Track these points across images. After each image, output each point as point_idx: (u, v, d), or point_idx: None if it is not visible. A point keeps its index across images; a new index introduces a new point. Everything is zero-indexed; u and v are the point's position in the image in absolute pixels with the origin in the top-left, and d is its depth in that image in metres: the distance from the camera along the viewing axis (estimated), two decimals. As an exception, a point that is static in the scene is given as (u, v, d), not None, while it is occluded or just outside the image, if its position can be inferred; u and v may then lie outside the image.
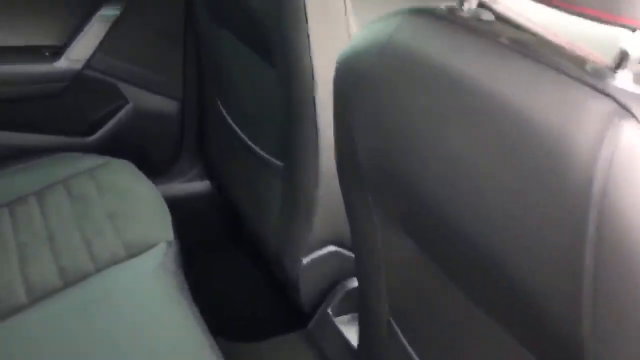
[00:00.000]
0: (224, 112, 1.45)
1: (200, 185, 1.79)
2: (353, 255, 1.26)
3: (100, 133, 1.59)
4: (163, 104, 1.65)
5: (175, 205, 1.32)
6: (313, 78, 1.03)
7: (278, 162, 1.23)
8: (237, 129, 1.38)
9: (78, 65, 1.47)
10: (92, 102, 1.57)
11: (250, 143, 1.33)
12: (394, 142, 0.63)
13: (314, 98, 1.05)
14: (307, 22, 0.99)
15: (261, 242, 1.31)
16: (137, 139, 1.65)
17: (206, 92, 1.57)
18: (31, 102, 1.49)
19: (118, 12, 1.48)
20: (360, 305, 0.93)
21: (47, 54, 1.46)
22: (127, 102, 1.60)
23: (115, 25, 1.48)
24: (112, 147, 1.58)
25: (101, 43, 1.48)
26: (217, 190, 1.73)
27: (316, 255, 1.23)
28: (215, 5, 1.31)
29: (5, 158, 1.43)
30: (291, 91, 1.07)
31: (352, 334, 1.21)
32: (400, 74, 0.62)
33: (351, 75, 0.69)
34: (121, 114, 1.60)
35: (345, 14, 1.03)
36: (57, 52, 1.46)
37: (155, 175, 1.46)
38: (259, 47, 1.18)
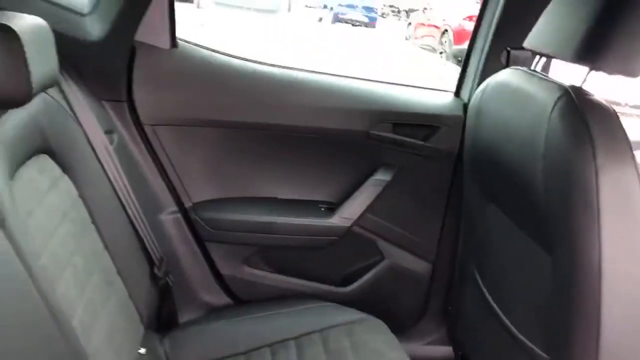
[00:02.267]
0: (481, 284, 1.42)
1: (441, 351, 1.74)
2: None
3: (355, 285, 1.67)
4: (416, 264, 1.69)
5: None
6: (600, 276, 0.97)
7: (542, 354, 1.14)
8: (493, 302, 1.34)
9: (348, 223, 1.59)
10: (353, 255, 1.67)
11: (507, 322, 1.27)
12: None
13: (599, 295, 0.98)
14: (599, 220, 0.95)
15: None
16: (387, 294, 1.69)
17: (462, 259, 1.57)
18: (302, 251, 1.63)
19: (389, 178, 1.59)
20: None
21: (323, 208, 1.61)
22: (383, 258, 1.67)
23: (385, 189, 1.59)
24: (364, 299, 1.64)
25: (371, 204, 1.59)
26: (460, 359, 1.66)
27: None
28: (487, 182, 1.34)
29: (270, 299, 1.57)
30: (572, 285, 1.01)
31: None
32: None
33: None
34: (377, 269, 1.67)
35: None
36: (332, 207, 1.61)
37: (397, 332, 1.47)
38: (533, 230, 1.16)
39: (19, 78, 0.86)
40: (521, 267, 1.24)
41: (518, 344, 1.22)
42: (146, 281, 1.35)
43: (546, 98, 1.05)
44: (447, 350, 1.73)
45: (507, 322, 1.28)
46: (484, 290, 1.41)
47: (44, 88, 0.98)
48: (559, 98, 1.03)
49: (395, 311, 1.69)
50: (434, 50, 9.14)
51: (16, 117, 0.97)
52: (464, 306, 1.58)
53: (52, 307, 0.84)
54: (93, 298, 1.06)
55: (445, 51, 8.61)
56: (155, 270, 1.38)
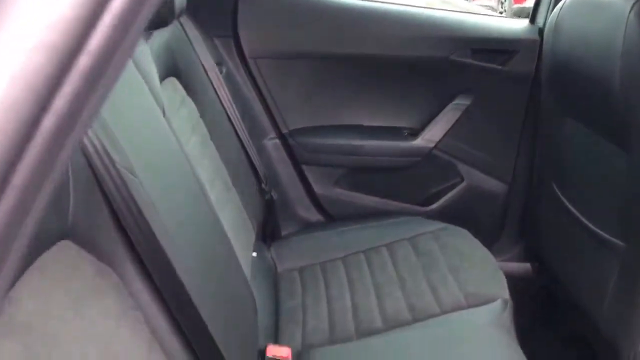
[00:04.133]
0: (559, 194, 1.53)
1: (517, 267, 1.87)
2: None
3: (436, 205, 1.81)
4: (493, 185, 1.81)
5: None
6: None
7: (620, 242, 1.26)
8: (574, 210, 1.45)
9: (430, 145, 1.72)
10: (434, 177, 1.81)
11: (588, 223, 1.38)
12: None
13: None
14: None
15: (590, 327, 1.33)
16: (466, 215, 1.82)
17: (540, 176, 1.68)
18: (387, 172, 1.79)
19: (469, 102, 1.71)
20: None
21: (406, 134, 1.75)
22: (462, 180, 1.80)
23: (465, 113, 1.71)
24: (444, 219, 1.78)
25: (451, 127, 1.72)
26: (536, 275, 1.78)
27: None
28: (566, 97, 1.44)
29: (359, 216, 1.73)
30: None
31: None
32: None
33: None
34: (456, 190, 1.80)
35: None
36: (414, 133, 1.74)
37: None
38: (610, 132, 1.26)
39: (168, 2, 1.04)
40: (600, 170, 1.35)
41: (596, 239, 1.34)
42: (255, 194, 1.54)
43: (623, 2, 1.15)
44: (524, 266, 1.85)
45: (585, 221, 1.39)
46: (564, 199, 1.52)
47: (179, 15, 1.16)
48: (636, 1, 1.12)
49: (474, 230, 1.82)
50: (493, 10, 8.99)
51: (157, 38, 1.15)
52: (542, 221, 1.69)
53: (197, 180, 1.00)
54: (218, 198, 1.25)
55: (504, 11, 8.46)
56: (263, 186, 1.56)
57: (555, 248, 1.60)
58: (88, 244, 0.62)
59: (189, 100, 1.31)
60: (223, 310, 0.97)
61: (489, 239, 1.86)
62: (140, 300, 0.69)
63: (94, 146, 0.63)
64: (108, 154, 0.64)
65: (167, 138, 0.93)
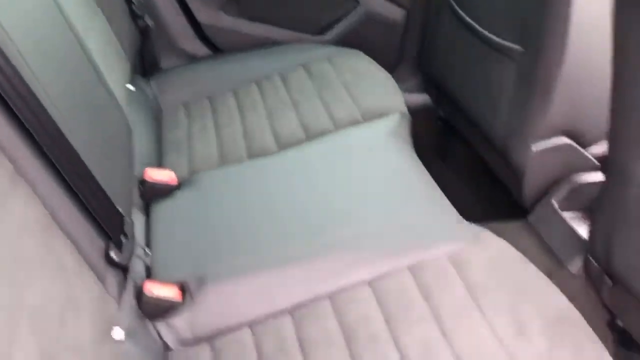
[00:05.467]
0: (458, 9, 1.45)
1: (416, 98, 1.82)
2: (584, 151, 1.22)
3: (331, 33, 1.69)
4: (391, 10, 1.70)
5: None
6: None
7: (517, 47, 1.21)
8: (472, 22, 1.38)
9: None
10: (328, 3, 1.67)
11: (486, 32, 1.32)
12: None
13: None
14: None
15: (489, 127, 1.30)
16: (363, 44, 1.71)
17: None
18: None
19: None
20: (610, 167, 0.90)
21: None
22: (358, 3, 1.67)
23: None
24: (341, 46, 1.68)
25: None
26: (435, 104, 1.74)
27: (547, 145, 1.19)
28: None
29: (249, 45, 1.59)
30: None
31: (580, 229, 1.17)
32: None
33: None
34: (352, 15, 1.68)
35: None
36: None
37: None
38: None
39: None
40: None
41: (495, 48, 1.28)
42: (126, 19, 1.35)
43: None
44: (422, 97, 1.80)
45: (484, 31, 1.32)
46: (462, 14, 1.43)
47: None
48: None
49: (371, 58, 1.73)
50: None
51: None
52: (440, 46, 1.62)
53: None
54: (83, 23, 1.05)
55: None
56: (134, 8, 1.37)
57: (453, 71, 1.54)
58: None
59: None
60: (95, 139, 0.89)
61: (388, 67, 1.79)
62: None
63: None
64: None
65: None
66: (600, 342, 0.75)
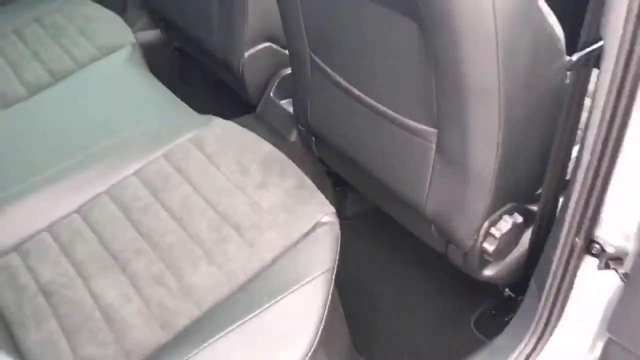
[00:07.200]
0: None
1: (150, 35, 2.02)
2: (285, 51, 1.56)
3: None
4: None
5: None
6: None
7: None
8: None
9: None
10: None
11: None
12: None
13: None
14: None
15: (212, 45, 1.57)
16: None
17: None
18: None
19: None
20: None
21: None
22: None
23: None
24: None
25: None
26: (167, 37, 1.96)
27: (255, 50, 1.51)
28: None
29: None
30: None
31: (290, 109, 1.53)
32: None
33: None
34: None
35: None
36: None
37: None
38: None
39: None
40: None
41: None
42: None
43: None
44: (155, 33, 2.00)
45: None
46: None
47: None
48: None
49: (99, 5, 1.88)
50: None
51: None
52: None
53: None
54: None
55: None
56: None
57: (172, 7, 1.75)
58: None
59: None
60: None
61: (116, 12, 1.95)
62: None
63: None
64: None
65: None
66: (298, 169, 1.09)
